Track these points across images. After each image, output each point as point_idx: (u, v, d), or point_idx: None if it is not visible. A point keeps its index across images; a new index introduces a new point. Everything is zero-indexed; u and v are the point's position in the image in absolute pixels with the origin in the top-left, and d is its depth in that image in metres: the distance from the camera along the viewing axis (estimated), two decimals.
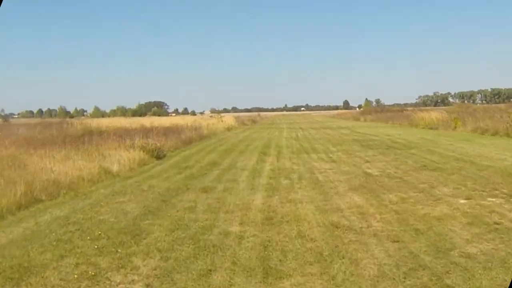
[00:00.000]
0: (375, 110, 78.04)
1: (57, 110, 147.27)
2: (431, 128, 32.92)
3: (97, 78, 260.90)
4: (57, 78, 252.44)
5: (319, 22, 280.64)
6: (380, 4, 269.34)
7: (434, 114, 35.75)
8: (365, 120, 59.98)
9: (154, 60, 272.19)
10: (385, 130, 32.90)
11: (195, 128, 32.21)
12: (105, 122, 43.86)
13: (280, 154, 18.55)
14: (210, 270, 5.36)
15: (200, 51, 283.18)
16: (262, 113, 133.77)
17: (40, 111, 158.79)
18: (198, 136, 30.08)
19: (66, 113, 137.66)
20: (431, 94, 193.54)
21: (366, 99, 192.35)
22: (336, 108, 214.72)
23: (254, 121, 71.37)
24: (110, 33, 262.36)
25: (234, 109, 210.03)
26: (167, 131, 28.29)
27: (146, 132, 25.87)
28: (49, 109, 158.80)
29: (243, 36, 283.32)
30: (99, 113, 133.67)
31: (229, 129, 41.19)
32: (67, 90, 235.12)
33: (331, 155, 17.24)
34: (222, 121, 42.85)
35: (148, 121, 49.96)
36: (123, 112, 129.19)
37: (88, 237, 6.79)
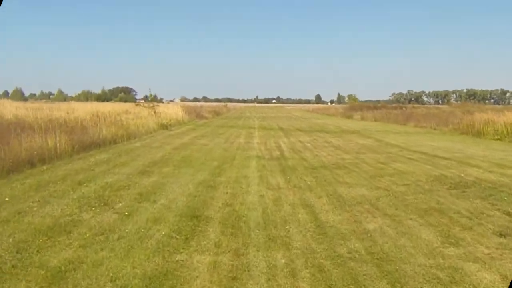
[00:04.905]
0: (366, 106, 63.23)
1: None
2: None
3: (83, 62, 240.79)
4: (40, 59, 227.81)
5: (292, 15, 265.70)
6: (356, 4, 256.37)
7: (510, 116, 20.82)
8: (362, 119, 44.94)
9: (127, 45, 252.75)
10: (444, 144, 17.57)
11: (72, 127, 16.03)
12: None
13: None
14: None
15: (174, 40, 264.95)
16: (230, 104, 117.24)
17: (6, 92, 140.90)
18: (75, 143, 14.05)
19: (21, 95, 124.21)
20: (404, 92, 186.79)
21: (339, 93, 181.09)
22: (308, 102, 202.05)
23: (217, 113, 55.25)
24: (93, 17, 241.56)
25: (205, 99, 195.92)
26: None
27: None
28: (6, 90, 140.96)
29: (215, 28, 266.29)
30: (61, 96, 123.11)
31: (167, 125, 25.12)
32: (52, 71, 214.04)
33: None
34: (155, 112, 26.53)
35: (63, 107, 33.73)
36: (86, 96, 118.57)
37: None
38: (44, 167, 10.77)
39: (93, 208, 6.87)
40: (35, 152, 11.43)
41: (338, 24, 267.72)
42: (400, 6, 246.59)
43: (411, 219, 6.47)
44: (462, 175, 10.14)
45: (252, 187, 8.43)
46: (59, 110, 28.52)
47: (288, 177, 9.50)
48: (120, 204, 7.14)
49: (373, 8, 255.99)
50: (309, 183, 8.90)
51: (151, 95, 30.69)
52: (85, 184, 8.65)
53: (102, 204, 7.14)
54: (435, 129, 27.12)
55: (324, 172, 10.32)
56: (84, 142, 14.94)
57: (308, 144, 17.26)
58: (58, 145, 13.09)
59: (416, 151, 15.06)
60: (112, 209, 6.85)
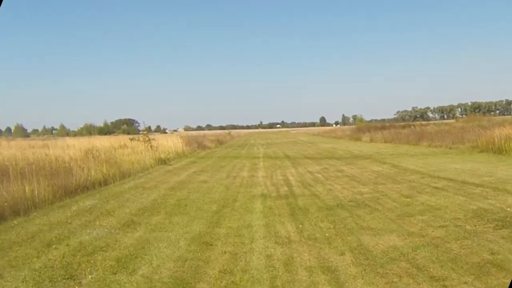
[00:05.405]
0: (374, 126, 61.70)
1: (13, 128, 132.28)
2: None
3: (86, 96, 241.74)
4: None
5: (294, 39, 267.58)
6: (355, 19, 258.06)
7: None
8: (371, 140, 43.36)
9: (126, 77, 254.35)
10: (468, 166, 15.73)
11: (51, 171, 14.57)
12: None
13: None
14: None
15: (175, 68, 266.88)
16: (234, 131, 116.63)
17: (8, 129, 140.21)
18: (58, 188, 12.60)
19: (23, 131, 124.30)
20: (409, 109, 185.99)
21: (343, 115, 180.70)
22: (313, 124, 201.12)
23: (220, 142, 54.01)
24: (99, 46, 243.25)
25: (209, 127, 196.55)
26: None
27: None
28: (8, 127, 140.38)
29: (218, 54, 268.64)
30: (64, 131, 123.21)
31: (165, 160, 23.73)
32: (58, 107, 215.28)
33: None
34: (151, 146, 25.18)
35: (59, 143, 32.63)
36: (89, 130, 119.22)
37: None
38: (15, 222, 9.31)
39: (54, 285, 5.34)
40: (6, 204, 9.98)
41: (339, 43, 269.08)
42: (401, 20, 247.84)
43: (466, 283, 4.89)
44: (506, 207, 8.54)
45: (257, 242, 6.86)
46: (45, 147, 27.15)
47: (300, 224, 7.93)
48: (90, 277, 5.61)
49: (374, 25, 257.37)
50: (326, 232, 7.31)
51: (145, 129, 29.21)
52: (54, 246, 7.14)
53: (67, 278, 5.63)
54: (451, 148, 25.50)
55: (342, 214, 8.74)
56: (68, 187, 13.46)
57: (319, 175, 15.70)
58: (36, 192, 11.65)
59: (440, 177, 13.46)
60: (77, 286, 5.32)
